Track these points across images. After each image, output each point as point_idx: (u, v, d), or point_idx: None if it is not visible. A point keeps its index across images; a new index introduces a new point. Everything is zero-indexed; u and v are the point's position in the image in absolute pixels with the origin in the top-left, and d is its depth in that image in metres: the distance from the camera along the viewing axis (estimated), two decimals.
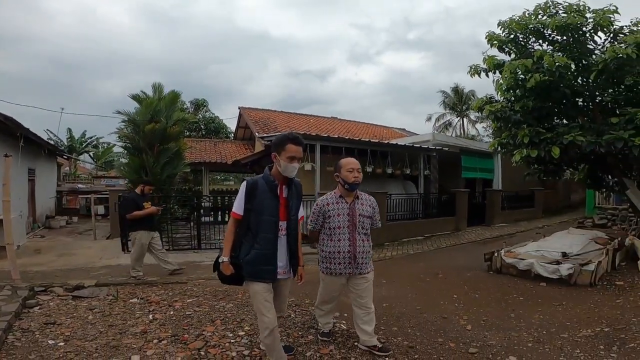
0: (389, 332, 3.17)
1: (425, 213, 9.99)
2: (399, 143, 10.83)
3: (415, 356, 2.76)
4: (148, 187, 5.61)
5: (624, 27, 5.60)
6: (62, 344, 2.87)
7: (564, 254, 5.09)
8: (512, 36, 6.15)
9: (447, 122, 31.84)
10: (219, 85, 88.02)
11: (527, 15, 6.08)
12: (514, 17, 6.11)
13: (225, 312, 3.67)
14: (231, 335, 3.07)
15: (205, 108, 26.78)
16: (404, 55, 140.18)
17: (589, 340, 2.98)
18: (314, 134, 9.63)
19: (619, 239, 6.01)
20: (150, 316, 3.54)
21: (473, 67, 6.30)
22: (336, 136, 9.58)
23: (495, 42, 6.21)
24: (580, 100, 6.08)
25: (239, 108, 14.45)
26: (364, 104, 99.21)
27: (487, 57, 6.12)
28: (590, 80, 5.64)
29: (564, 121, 6.19)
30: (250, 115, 13.74)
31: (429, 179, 10.58)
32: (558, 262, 4.90)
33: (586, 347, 2.85)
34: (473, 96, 29.46)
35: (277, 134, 11.05)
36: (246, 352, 2.74)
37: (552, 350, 2.81)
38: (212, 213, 10.60)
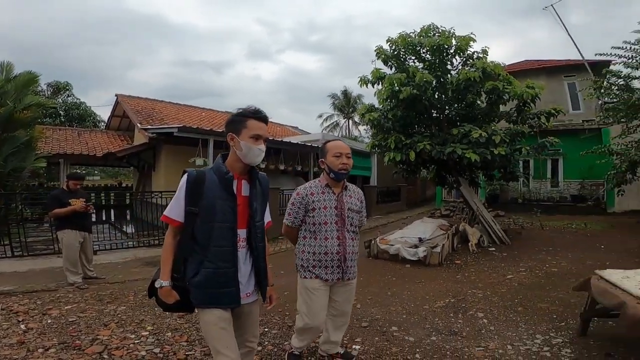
0: (294, 317, 3.49)
1: None
2: (292, 141, 11.40)
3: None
4: (73, 182, 4.77)
5: (475, 53, 7.15)
6: None
7: (420, 239, 6.19)
8: (396, 52, 7.25)
9: (335, 123, 34.46)
10: (90, 68, 74.74)
11: (411, 35, 7.22)
12: (402, 33, 7.18)
13: (119, 315, 3.47)
14: (133, 336, 2.97)
15: (67, 92, 22.79)
16: (303, 57, 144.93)
17: (443, 310, 3.67)
18: (207, 128, 9.36)
19: (456, 225, 7.56)
20: (23, 326, 3.14)
21: (362, 78, 7.21)
22: None
23: (382, 56, 7.24)
24: (435, 112, 7.55)
25: (116, 95, 12.75)
26: (259, 100, 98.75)
27: (374, 71, 7.10)
28: (444, 96, 7.18)
29: (422, 129, 7.61)
30: (130, 104, 12.28)
31: (318, 175, 11.45)
32: (416, 246, 5.94)
33: (442, 315, 3.53)
34: (359, 100, 32.83)
35: (163, 126, 10.30)
36: (157, 350, 2.71)
37: (420, 319, 3.45)
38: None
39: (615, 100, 8.44)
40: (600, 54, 8.17)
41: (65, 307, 3.73)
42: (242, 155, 1.69)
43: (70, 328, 3.14)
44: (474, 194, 8.06)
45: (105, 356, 2.63)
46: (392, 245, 6.19)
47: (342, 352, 2.63)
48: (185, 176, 1.68)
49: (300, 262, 2.33)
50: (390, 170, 9.28)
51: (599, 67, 9.81)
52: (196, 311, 1.73)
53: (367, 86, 7.23)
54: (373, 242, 6.46)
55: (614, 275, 2.66)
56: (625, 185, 8.32)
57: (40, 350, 2.67)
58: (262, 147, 1.71)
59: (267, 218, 1.90)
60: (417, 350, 2.81)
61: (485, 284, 4.62)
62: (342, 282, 2.32)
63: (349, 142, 15.41)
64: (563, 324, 3.23)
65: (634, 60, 7.72)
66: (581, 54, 12.79)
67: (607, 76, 8.47)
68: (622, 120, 8.19)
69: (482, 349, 2.80)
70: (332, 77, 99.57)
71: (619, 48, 7.87)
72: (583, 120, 12.50)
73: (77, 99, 23.15)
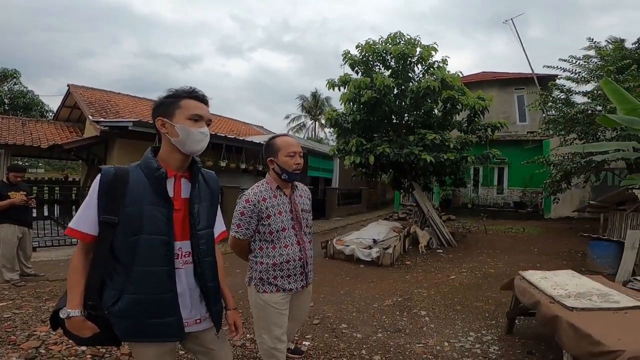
0: (248, 314, 3.47)
1: None
2: (254, 140, 11.30)
3: None
4: (14, 174, 4.51)
5: (435, 62, 7.51)
6: None
7: (374, 241, 6.44)
8: (364, 59, 7.47)
9: (302, 124, 34.44)
10: (43, 56, 69.24)
11: (377, 42, 7.46)
12: (369, 40, 7.43)
13: None
14: None
15: (15, 80, 21.37)
16: (274, 55, 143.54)
17: (390, 308, 3.87)
18: None
19: (408, 228, 7.88)
20: None
21: (330, 81, 7.39)
22: None
23: (350, 60, 7.45)
24: (395, 118, 7.87)
25: (68, 85, 11.93)
26: (226, 97, 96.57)
27: (341, 75, 7.30)
28: (404, 103, 7.51)
29: (382, 134, 7.91)
30: (83, 94, 11.54)
31: None
32: (370, 247, 6.17)
33: (389, 313, 3.73)
34: (327, 102, 33.09)
35: (117, 119, 9.83)
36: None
37: (368, 317, 3.63)
38: None
39: (557, 113, 9.11)
40: (549, 67, 8.79)
41: (0, 304, 3.60)
42: (179, 143, 1.32)
43: (5, 324, 3.07)
44: (425, 198, 8.49)
45: (43, 351, 2.59)
46: (347, 246, 6.37)
47: (292, 347, 2.68)
48: (98, 176, 1.28)
49: (258, 275, 2.05)
50: (351, 173, 9.54)
51: (547, 81, 10.56)
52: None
53: (334, 89, 7.43)
54: (330, 242, 6.62)
55: (534, 275, 2.98)
56: (561, 193, 9.12)
57: None
58: (205, 129, 1.35)
59: (220, 227, 1.54)
60: (364, 346, 2.96)
61: (430, 284, 4.91)
62: (302, 288, 2.15)
63: (313, 144, 15.63)
64: (493, 322, 3.53)
65: (578, 75, 8.37)
66: (531, 67, 13.67)
67: (552, 89, 9.11)
68: (561, 132, 8.87)
69: (422, 345, 3.00)
70: (302, 78, 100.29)
71: (564, 61, 8.49)
72: (528, 132, 13.44)
73: (24, 87, 21.84)
